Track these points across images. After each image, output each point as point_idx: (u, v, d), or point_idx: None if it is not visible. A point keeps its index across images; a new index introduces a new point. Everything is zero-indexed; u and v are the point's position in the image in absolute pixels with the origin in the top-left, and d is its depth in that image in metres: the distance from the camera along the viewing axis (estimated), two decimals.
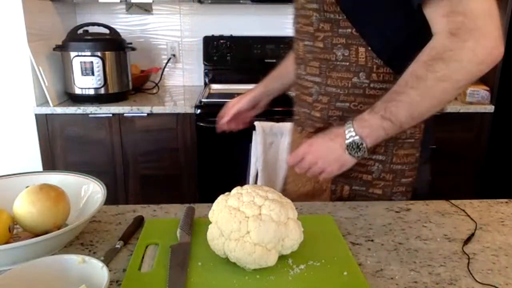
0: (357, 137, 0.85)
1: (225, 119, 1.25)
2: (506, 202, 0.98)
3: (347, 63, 0.92)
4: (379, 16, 0.88)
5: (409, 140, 0.96)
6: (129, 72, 2.32)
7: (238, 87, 2.60)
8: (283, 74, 1.23)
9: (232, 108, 1.24)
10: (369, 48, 0.90)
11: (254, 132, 2.06)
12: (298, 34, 1.00)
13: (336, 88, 0.95)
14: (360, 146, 0.85)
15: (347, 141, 0.86)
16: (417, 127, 0.95)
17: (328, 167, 0.89)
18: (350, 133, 0.86)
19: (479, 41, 0.75)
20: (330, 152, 0.88)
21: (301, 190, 1.06)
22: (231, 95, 2.59)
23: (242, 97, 1.25)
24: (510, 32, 2.17)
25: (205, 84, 2.70)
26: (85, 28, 2.26)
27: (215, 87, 2.64)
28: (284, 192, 1.11)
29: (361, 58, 0.91)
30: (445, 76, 0.78)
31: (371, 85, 0.92)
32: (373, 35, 0.89)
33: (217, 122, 1.27)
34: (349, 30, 0.90)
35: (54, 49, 2.18)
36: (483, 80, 2.31)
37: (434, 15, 0.81)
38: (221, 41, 2.63)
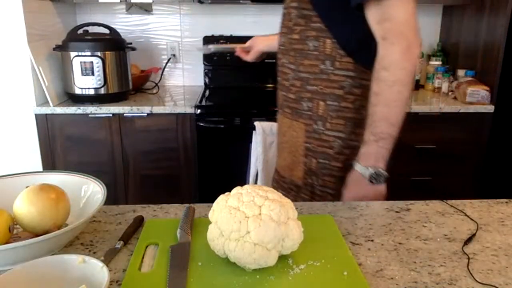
0: (370, 170, 0.99)
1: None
2: (506, 202, 0.98)
3: (317, 53, 1.06)
4: (342, 15, 1.01)
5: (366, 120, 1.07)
6: (129, 72, 2.32)
7: (238, 87, 2.60)
8: None
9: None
10: (335, 41, 1.03)
11: (254, 132, 2.06)
12: (284, 28, 1.15)
13: (307, 73, 1.09)
14: (378, 173, 0.99)
15: (368, 179, 1.00)
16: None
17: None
18: (364, 171, 1.00)
19: (403, 44, 0.90)
20: (367, 193, 1.01)
21: (284, 163, 1.23)
22: (231, 95, 2.60)
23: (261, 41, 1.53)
24: (510, 32, 2.17)
25: (205, 84, 2.70)
26: (85, 28, 2.26)
27: (215, 87, 2.64)
28: (276, 165, 1.29)
29: (327, 48, 1.04)
30: (391, 81, 0.93)
31: (335, 72, 1.05)
32: (338, 31, 1.03)
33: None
34: (319, 24, 1.04)
35: (54, 49, 2.18)
36: (483, 80, 2.31)
37: (371, 22, 0.95)
38: (221, 41, 2.63)
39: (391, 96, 0.93)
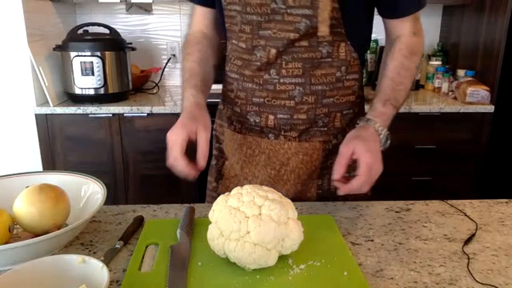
0: (385, 130, 0.91)
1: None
2: (506, 202, 0.98)
3: (330, 59, 0.96)
4: (366, 14, 1.02)
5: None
6: (129, 72, 2.32)
7: None
8: (208, 85, 1.17)
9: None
10: (349, 43, 0.97)
11: None
12: (271, 41, 0.94)
13: (322, 85, 0.97)
14: (388, 137, 0.91)
15: (382, 137, 0.90)
16: None
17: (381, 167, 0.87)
18: (381, 130, 0.90)
19: (424, 38, 1.05)
20: (378, 152, 0.87)
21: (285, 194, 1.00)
22: None
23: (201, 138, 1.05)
24: (510, 32, 2.17)
25: None
26: (85, 28, 2.26)
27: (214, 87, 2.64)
28: None
29: (341, 53, 0.97)
30: (418, 63, 1.03)
31: (347, 76, 1.00)
32: (353, 32, 0.97)
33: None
34: (339, 29, 0.94)
35: (54, 49, 2.18)
36: (483, 80, 2.31)
37: (402, 24, 1.02)
38: (221, 41, 2.63)
39: (413, 75, 1.03)
